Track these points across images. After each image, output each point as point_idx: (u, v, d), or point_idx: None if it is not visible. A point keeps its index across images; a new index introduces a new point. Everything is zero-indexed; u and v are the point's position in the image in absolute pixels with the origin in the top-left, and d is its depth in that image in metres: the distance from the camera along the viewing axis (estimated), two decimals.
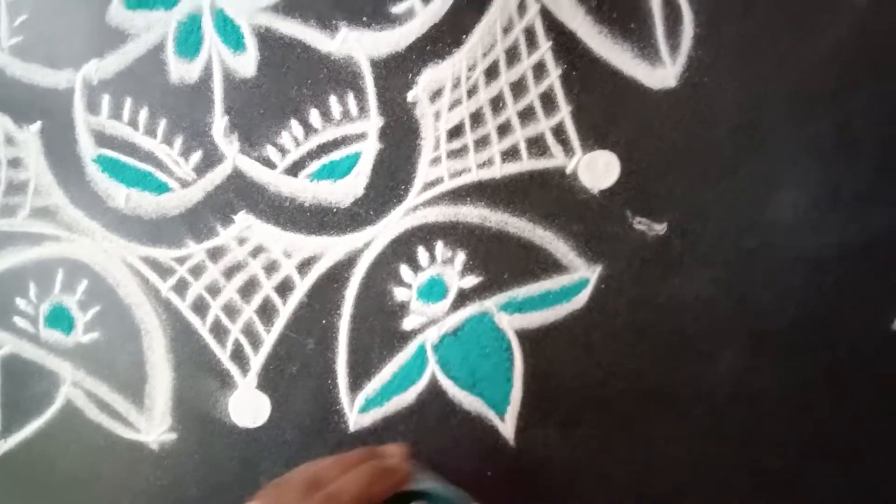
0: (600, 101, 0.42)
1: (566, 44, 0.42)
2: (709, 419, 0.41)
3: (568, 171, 0.42)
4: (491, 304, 0.42)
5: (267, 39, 0.41)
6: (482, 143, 0.42)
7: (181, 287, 0.43)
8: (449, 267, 0.42)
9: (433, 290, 0.42)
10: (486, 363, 0.41)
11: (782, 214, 0.42)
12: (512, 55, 0.42)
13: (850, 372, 0.41)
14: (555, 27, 0.42)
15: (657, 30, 0.42)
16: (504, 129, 0.42)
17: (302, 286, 0.42)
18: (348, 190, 0.42)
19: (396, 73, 0.41)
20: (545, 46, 0.42)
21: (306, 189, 0.42)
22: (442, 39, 0.41)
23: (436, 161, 0.42)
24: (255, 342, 0.43)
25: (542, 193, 0.42)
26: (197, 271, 0.43)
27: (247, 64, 0.41)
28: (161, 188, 0.42)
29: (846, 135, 0.42)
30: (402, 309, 0.42)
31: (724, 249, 0.41)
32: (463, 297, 0.42)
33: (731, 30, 0.42)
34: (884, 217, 0.40)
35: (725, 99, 0.42)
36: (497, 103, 0.42)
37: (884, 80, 0.40)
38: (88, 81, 0.42)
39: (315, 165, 0.42)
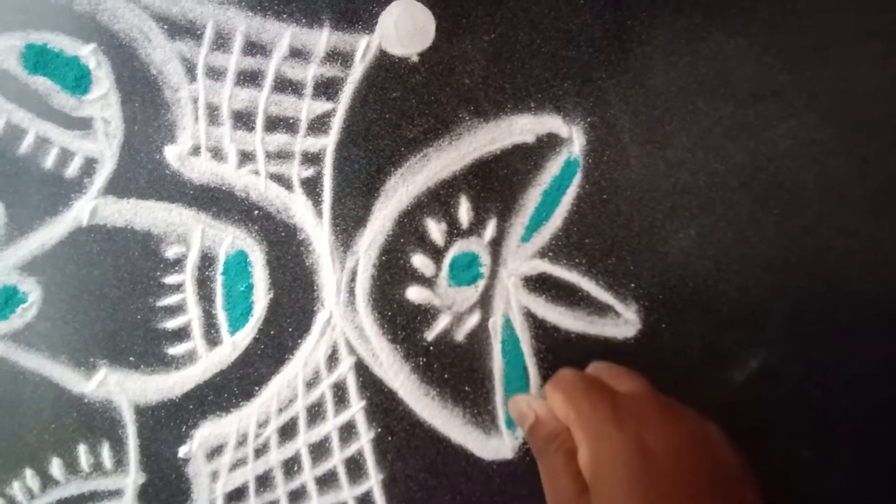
0: (419, 472, 0.35)
1: (383, 404, 0.34)
2: None
3: None
4: None
5: (1, 372, 0.32)
6: None
7: None
8: None
9: None
10: None
11: None
12: (315, 413, 0.34)
13: None
14: (371, 385, 0.34)
15: (496, 395, 0.35)
16: (297, 496, 0.34)
17: None
18: None
19: (167, 424, 0.33)
20: (357, 406, 0.34)
21: None
22: (228, 389, 0.34)
23: None
24: None
25: None
26: None
27: None
28: None
29: None
30: None
31: None
32: None
33: None
34: None
35: None
36: (291, 466, 0.34)
37: None
38: None
39: None
